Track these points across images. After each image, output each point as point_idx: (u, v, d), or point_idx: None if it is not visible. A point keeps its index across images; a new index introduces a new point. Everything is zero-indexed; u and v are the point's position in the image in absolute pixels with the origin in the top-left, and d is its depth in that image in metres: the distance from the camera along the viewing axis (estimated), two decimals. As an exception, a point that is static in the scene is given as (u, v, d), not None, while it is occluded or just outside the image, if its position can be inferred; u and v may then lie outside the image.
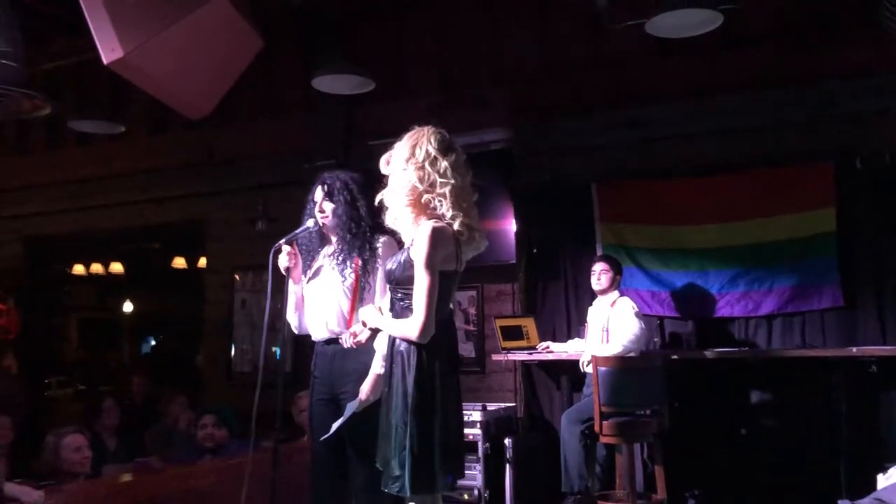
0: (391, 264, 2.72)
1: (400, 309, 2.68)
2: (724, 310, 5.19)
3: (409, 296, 2.60)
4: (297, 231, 3.28)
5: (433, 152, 2.62)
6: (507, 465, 4.97)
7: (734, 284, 5.15)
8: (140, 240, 9.03)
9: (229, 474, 3.93)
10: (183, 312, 10.39)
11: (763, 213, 5.12)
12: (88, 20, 3.10)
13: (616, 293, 4.94)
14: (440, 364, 2.59)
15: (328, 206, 3.25)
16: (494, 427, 5.09)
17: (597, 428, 4.50)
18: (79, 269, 10.13)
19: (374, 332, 2.85)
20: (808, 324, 5.02)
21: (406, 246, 2.67)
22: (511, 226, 5.63)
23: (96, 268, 10.39)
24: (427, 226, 2.56)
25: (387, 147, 2.78)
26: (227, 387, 6.64)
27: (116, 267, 10.54)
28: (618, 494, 4.75)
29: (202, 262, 7.53)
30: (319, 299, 3.26)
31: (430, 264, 2.53)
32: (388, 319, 2.72)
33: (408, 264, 2.60)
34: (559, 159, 5.72)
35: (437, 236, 2.54)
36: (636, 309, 4.83)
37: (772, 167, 5.13)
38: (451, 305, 2.78)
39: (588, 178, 5.60)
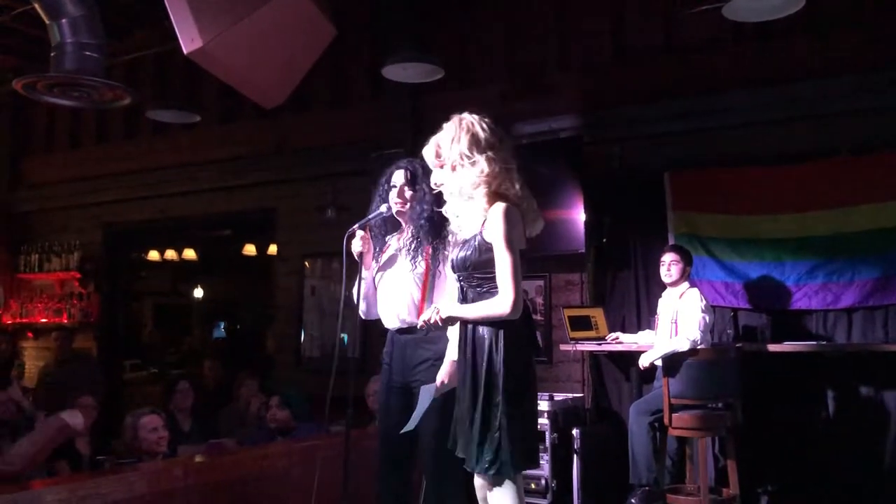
0: (462, 251, 2.72)
1: (475, 296, 2.69)
2: (801, 302, 5.03)
3: (486, 280, 2.65)
4: (370, 216, 3.29)
5: (493, 139, 2.69)
6: (575, 456, 4.94)
7: (812, 276, 4.99)
8: (213, 227, 9.25)
9: (301, 457, 4.01)
10: (254, 298, 10.65)
11: (844, 202, 4.94)
12: (169, 10, 3.19)
13: (686, 284, 4.84)
14: (525, 346, 2.67)
15: (409, 193, 3.22)
16: (562, 418, 5.06)
17: (666, 420, 4.43)
18: (154, 255, 10.45)
19: (446, 322, 2.83)
20: (891, 317, 4.83)
21: (475, 232, 2.68)
22: (580, 215, 5.55)
23: (170, 254, 10.70)
24: (500, 206, 2.61)
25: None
26: (297, 371, 6.76)
27: (189, 253, 10.83)
28: (688, 488, 4.67)
29: (272, 249, 7.67)
30: (391, 288, 3.27)
31: (511, 242, 2.58)
32: (468, 305, 2.70)
33: (483, 247, 2.63)
34: (630, 147, 5.63)
35: (512, 215, 2.61)
36: (705, 301, 4.72)
37: (854, 155, 4.95)
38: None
39: (660, 167, 5.48)
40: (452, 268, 2.82)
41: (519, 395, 2.61)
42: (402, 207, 3.23)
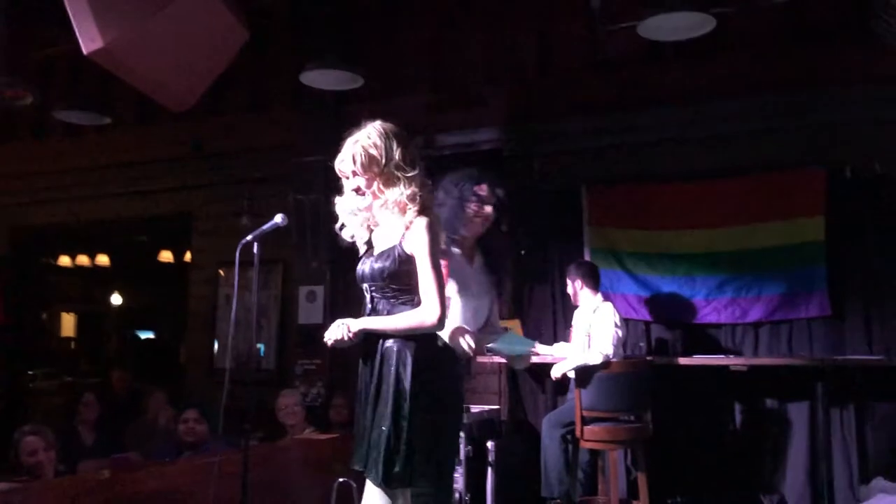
0: (378, 262, 2.64)
1: (387, 308, 2.63)
2: (710, 316, 5.16)
3: (401, 292, 2.60)
4: (264, 227, 3.09)
5: (405, 151, 2.65)
6: (490, 469, 4.92)
7: (721, 291, 5.12)
8: (127, 232, 8.96)
9: (207, 473, 3.88)
10: (169, 307, 10.35)
11: (752, 219, 5.09)
12: (68, 9, 3.05)
13: (599, 298, 4.89)
14: (439, 358, 2.61)
15: (492, 215, 3.17)
16: (477, 430, 5.04)
17: (577, 433, 4.46)
18: (65, 260, 10.06)
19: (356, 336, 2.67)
20: (795, 332, 4.99)
21: (394, 243, 2.62)
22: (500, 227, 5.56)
23: (82, 259, 10.33)
24: (423, 219, 2.59)
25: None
26: (209, 383, 6.58)
27: (103, 259, 10.47)
28: (600, 500, 4.71)
29: (188, 256, 7.47)
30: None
31: (435, 255, 2.57)
32: (387, 318, 2.61)
33: (402, 258, 2.58)
34: (549, 161, 5.69)
35: (435, 228, 2.61)
36: (618, 316, 4.78)
37: (762, 174, 5.10)
38: None
39: (578, 181, 5.56)
40: (362, 278, 2.74)
41: (428, 416, 2.54)
42: (481, 229, 3.15)
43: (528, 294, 5.69)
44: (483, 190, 3.12)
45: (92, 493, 3.39)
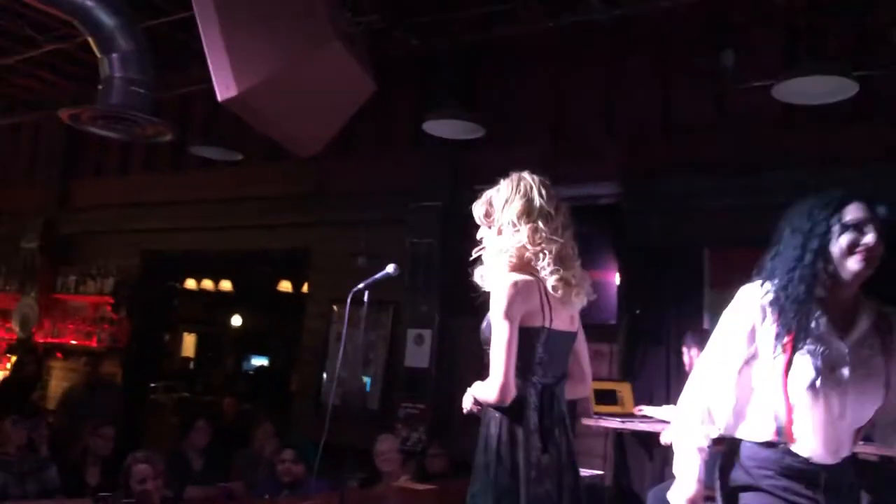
0: (484, 323, 2.54)
1: None
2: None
3: None
4: (376, 276, 3.13)
5: (547, 208, 2.49)
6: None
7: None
8: (249, 262, 9.31)
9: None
10: (284, 335, 10.68)
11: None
12: (208, 56, 3.20)
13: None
14: (520, 433, 2.42)
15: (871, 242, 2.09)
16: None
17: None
18: (190, 283, 10.54)
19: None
20: None
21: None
22: (614, 284, 5.43)
23: (207, 283, 10.79)
24: (506, 278, 2.41)
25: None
26: (315, 416, 6.68)
27: (226, 284, 10.92)
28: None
29: (305, 287, 7.65)
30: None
31: (508, 316, 2.36)
32: (477, 384, 2.52)
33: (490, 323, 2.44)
34: (670, 219, 5.49)
35: (516, 289, 2.39)
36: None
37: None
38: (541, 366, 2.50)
39: (701, 242, 5.35)
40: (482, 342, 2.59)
41: (492, 488, 2.40)
42: (863, 266, 2.09)
43: (641, 356, 5.49)
44: (859, 212, 2.12)
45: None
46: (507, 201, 2.52)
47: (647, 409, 5.06)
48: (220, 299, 11.93)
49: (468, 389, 2.57)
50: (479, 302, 2.62)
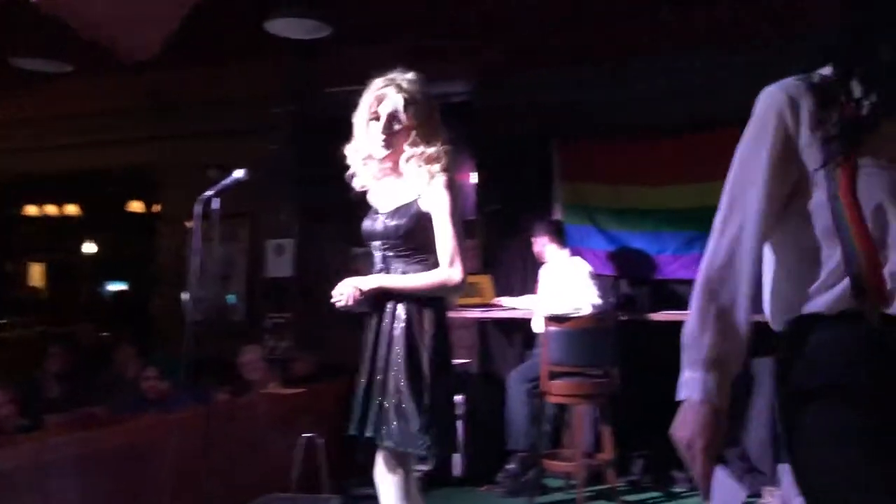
0: (393, 220, 2.56)
1: (402, 268, 2.56)
2: (678, 272, 5.17)
3: (419, 250, 2.54)
4: (226, 181, 3.10)
5: (437, 107, 2.64)
6: (459, 423, 4.95)
7: (690, 247, 5.12)
8: (95, 184, 8.80)
9: (170, 428, 3.86)
10: (139, 258, 10.25)
11: (721, 175, 5.04)
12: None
13: (566, 253, 4.89)
14: (446, 325, 2.55)
15: None
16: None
17: (542, 388, 4.49)
18: (31, 209, 9.88)
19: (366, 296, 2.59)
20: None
21: (409, 200, 2.56)
22: (470, 182, 5.53)
23: (50, 209, 10.15)
24: (443, 177, 2.53)
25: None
26: (180, 336, 6.52)
27: (71, 209, 10.30)
28: (565, 453, 4.76)
29: (156, 207, 7.36)
30: None
31: (455, 214, 2.51)
32: (409, 276, 2.53)
33: (420, 216, 2.52)
34: (521, 115, 5.61)
35: (455, 187, 2.57)
36: (591, 268, 4.80)
37: (731, 128, 5.05)
38: None
39: (550, 135, 5.51)
40: (371, 236, 2.63)
41: (444, 378, 2.50)
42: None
43: (498, 248, 5.68)
44: None
45: (54, 448, 3.36)
46: (430, 102, 2.62)
47: (505, 301, 5.27)
48: (66, 224, 11.25)
49: (354, 283, 2.54)
50: (347, 205, 2.67)
